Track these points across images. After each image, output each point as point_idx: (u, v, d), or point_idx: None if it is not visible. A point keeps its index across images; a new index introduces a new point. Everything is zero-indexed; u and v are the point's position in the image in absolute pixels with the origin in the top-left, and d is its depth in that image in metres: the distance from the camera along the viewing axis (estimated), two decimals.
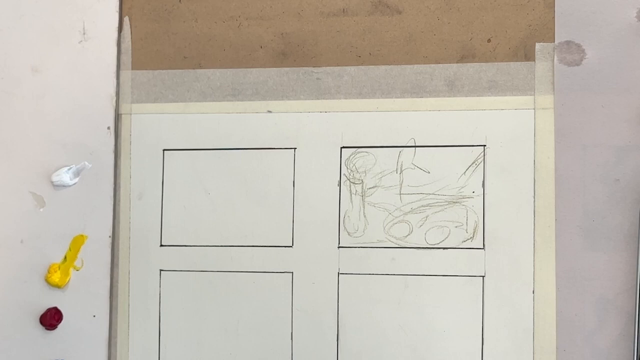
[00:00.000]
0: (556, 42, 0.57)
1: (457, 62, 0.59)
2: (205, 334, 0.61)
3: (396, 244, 0.59)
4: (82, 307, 0.61)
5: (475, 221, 0.58)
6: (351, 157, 0.60)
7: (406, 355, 0.58)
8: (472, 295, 0.58)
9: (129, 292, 0.62)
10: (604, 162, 0.56)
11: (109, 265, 0.62)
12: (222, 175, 0.61)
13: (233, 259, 0.61)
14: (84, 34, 0.63)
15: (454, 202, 0.58)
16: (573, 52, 0.57)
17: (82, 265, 0.62)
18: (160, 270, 0.62)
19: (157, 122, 0.62)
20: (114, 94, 0.62)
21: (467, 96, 0.59)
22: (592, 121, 0.57)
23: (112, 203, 0.62)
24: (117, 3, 0.63)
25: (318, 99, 0.60)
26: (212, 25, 0.62)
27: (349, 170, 0.60)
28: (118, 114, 0.62)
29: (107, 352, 0.61)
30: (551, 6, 0.58)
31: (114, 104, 0.62)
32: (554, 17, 0.58)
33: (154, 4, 0.63)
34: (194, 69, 0.62)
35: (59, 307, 0.61)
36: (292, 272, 0.60)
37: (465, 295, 0.58)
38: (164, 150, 0.62)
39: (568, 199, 0.56)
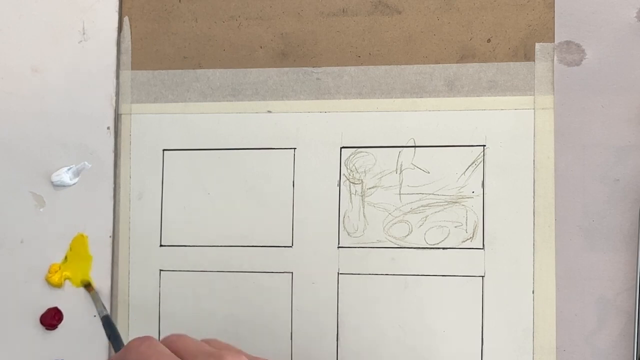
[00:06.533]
0: (556, 42, 0.57)
1: (457, 62, 0.59)
2: (205, 334, 0.61)
3: (396, 244, 0.59)
4: (82, 307, 0.61)
5: (475, 221, 0.58)
6: (351, 157, 0.60)
7: (406, 355, 0.58)
8: (472, 295, 0.58)
9: (129, 292, 0.62)
10: (604, 162, 0.56)
11: (109, 265, 0.62)
12: (222, 175, 0.61)
13: (233, 259, 0.61)
14: (83, 34, 0.63)
15: (453, 202, 0.58)
16: (573, 52, 0.57)
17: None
18: (160, 270, 0.62)
19: (157, 122, 0.62)
20: (113, 94, 0.62)
21: (467, 96, 0.59)
22: (592, 121, 0.57)
23: (112, 203, 0.62)
24: (117, 3, 0.63)
25: (318, 99, 0.60)
26: (212, 25, 0.62)
27: (349, 170, 0.60)
28: (118, 114, 0.63)
29: (107, 352, 0.61)
30: (551, 6, 0.58)
31: (114, 104, 0.62)
32: (554, 17, 0.58)
33: (154, 4, 0.63)
34: (193, 69, 0.62)
35: (59, 307, 0.62)
36: (292, 272, 0.60)
37: (465, 295, 0.58)
38: (164, 150, 0.62)
39: (568, 199, 0.56)
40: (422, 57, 0.59)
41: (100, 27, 0.63)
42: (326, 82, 0.60)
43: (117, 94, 0.63)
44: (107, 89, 0.62)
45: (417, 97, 0.59)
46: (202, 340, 0.44)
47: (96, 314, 0.61)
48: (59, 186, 0.62)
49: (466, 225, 0.58)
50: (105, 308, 0.59)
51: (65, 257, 0.62)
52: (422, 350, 0.58)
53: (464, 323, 0.58)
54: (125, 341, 0.61)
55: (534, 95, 0.58)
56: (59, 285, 0.61)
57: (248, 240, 0.61)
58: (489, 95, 0.58)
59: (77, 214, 0.62)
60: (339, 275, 0.60)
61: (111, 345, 0.58)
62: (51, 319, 0.61)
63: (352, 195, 0.60)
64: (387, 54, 0.60)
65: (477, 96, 0.58)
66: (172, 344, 0.42)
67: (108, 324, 0.58)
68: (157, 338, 0.61)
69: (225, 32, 0.62)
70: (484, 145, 0.58)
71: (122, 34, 0.63)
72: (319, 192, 0.60)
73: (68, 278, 0.62)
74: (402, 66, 0.60)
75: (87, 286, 0.61)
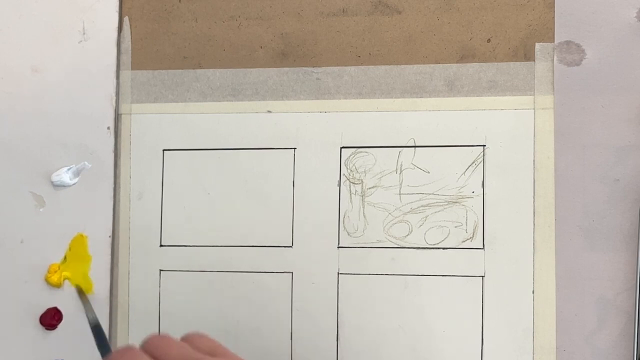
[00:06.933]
0: (556, 42, 0.57)
1: (457, 62, 0.59)
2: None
3: (396, 244, 0.59)
4: (82, 307, 0.61)
5: (475, 221, 0.58)
6: (351, 157, 0.60)
7: (406, 355, 0.58)
8: (472, 295, 0.58)
9: (129, 292, 0.62)
10: (604, 162, 0.56)
11: (109, 265, 0.62)
12: (222, 175, 0.61)
13: (233, 259, 0.61)
14: (83, 34, 0.63)
15: (453, 202, 0.58)
16: (573, 52, 0.57)
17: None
18: (160, 270, 0.62)
19: (157, 122, 0.62)
20: (114, 94, 0.62)
21: (466, 96, 0.59)
22: (592, 121, 0.57)
23: (112, 203, 0.62)
24: (117, 3, 0.63)
25: (318, 99, 0.60)
26: (212, 25, 0.62)
27: (349, 170, 0.60)
28: (118, 114, 0.63)
29: None
30: (551, 6, 0.58)
31: (114, 104, 0.62)
32: (554, 17, 0.58)
33: (154, 4, 0.63)
34: (194, 69, 0.62)
35: (59, 307, 0.61)
36: (292, 272, 0.60)
37: (465, 295, 0.58)
38: (164, 150, 0.62)
39: (568, 199, 0.56)
40: (422, 57, 0.59)
41: (100, 27, 0.63)
42: (326, 82, 0.60)
43: (117, 94, 0.63)
44: (107, 89, 0.62)
45: (417, 97, 0.59)
46: (186, 337, 0.44)
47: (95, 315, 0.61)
48: (59, 186, 0.62)
49: (466, 225, 0.58)
50: (96, 316, 0.58)
51: (65, 257, 0.62)
52: (422, 350, 0.58)
53: (464, 323, 0.58)
54: (125, 337, 0.61)
55: (534, 95, 0.58)
56: (58, 285, 0.61)
57: (248, 240, 0.61)
58: (489, 95, 0.58)
59: (77, 214, 0.62)
60: (339, 275, 0.60)
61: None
62: (51, 319, 0.61)
63: (352, 195, 0.60)
64: (387, 54, 0.60)
65: (477, 96, 0.58)
66: (155, 350, 0.41)
67: (98, 333, 0.56)
68: None
69: (225, 32, 0.62)
70: (484, 145, 0.58)
71: (122, 34, 0.63)
72: (319, 192, 0.60)
73: (67, 278, 0.62)
74: (402, 66, 0.60)
75: (79, 291, 0.61)
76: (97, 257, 0.62)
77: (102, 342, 0.55)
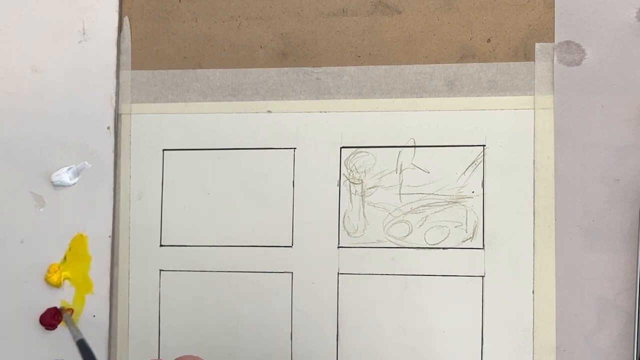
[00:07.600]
0: (556, 42, 0.57)
1: (456, 62, 0.59)
2: (205, 334, 0.61)
3: (396, 244, 0.59)
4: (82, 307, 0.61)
5: (475, 221, 0.58)
6: (351, 157, 0.60)
7: (406, 355, 0.58)
8: (472, 295, 0.58)
9: (129, 292, 0.62)
10: (604, 162, 0.56)
11: (109, 265, 0.62)
12: (222, 175, 0.61)
13: (233, 259, 0.61)
14: (83, 34, 0.63)
15: (453, 202, 0.58)
16: (573, 52, 0.57)
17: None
18: (160, 270, 0.62)
19: (157, 122, 0.62)
20: (113, 94, 0.62)
21: (466, 96, 0.59)
22: (592, 121, 0.57)
23: (112, 203, 0.62)
24: (117, 3, 0.63)
25: (318, 99, 0.60)
26: (212, 25, 0.62)
27: (349, 170, 0.60)
28: (118, 114, 0.63)
29: (107, 352, 0.61)
30: (551, 6, 0.58)
31: (114, 104, 0.62)
32: (553, 17, 0.58)
33: (154, 4, 0.63)
34: (193, 69, 0.62)
35: (59, 307, 0.61)
36: (292, 272, 0.60)
37: (465, 295, 0.58)
38: (163, 150, 0.62)
39: (568, 199, 0.56)
40: (422, 57, 0.59)
41: (100, 27, 0.63)
42: (326, 82, 0.60)
43: (117, 94, 0.63)
44: (107, 89, 0.62)
45: (417, 97, 0.59)
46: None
47: (95, 314, 0.61)
48: (59, 186, 0.62)
49: (466, 225, 0.58)
50: (79, 332, 0.58)
51: (65, 257, 0.62)
52: (422, 350, 0.58)
53: (464, 323, 0.58)
54: (125, 337, 0.61)
55: (534, 95, 0.58)
56: (58, 285, 0.61)
57: (248, 240, 0.61)
58: (489, 95, 0.58)
59: (77, 214, 0.62)
60: (339, 275, 0.60)
61: None
62: (51, 319, 0.61)
63: (352, 195, 0.60)
64: (387, 54, 0.60)
65: (477, 96, 0.58)
66: None
67: (83, 348, 0.56)
68: (157, 337, 0.61)
69: (225, 32, 0.62)
70: (484, 145, 0.58)
71: (122, 34, 0.63)
72: (319, 192, 0.60)
73: (67, 278, 0.62)
74: (402, 66, 0.60)
75: (60, 309, 0.61)
76: (97, 257, 0.62)
77: (87, 356, 0.56)
